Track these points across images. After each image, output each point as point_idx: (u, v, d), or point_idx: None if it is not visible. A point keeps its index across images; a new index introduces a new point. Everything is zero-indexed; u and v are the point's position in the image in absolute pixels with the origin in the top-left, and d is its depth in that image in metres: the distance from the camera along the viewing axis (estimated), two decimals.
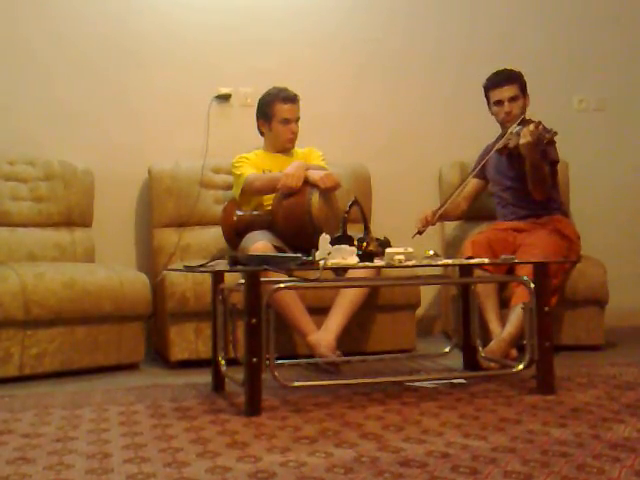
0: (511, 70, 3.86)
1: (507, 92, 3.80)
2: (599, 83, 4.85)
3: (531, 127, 3.43)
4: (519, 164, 3.66)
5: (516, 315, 3.27)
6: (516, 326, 3.26)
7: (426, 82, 4.65)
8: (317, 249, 2.63)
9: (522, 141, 3.46)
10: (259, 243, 3.33)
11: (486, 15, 4.74)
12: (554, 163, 3.74)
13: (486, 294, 3.47)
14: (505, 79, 3.82)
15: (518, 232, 3.72)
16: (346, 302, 3.36)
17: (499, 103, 3.81)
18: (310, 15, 4.49)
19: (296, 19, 4.47)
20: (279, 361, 2.79)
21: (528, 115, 3.75)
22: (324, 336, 3.24)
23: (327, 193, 3.51)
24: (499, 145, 3.70)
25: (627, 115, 4.88)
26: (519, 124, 3.65)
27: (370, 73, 4.58)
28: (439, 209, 3.82)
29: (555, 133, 3.44)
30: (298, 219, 3.41)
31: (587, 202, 4.56)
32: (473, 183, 4.05)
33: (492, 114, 3.87)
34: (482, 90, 3.87)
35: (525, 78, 3.84)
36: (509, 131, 3.66)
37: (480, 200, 4.14)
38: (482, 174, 4.00)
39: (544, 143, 3.46)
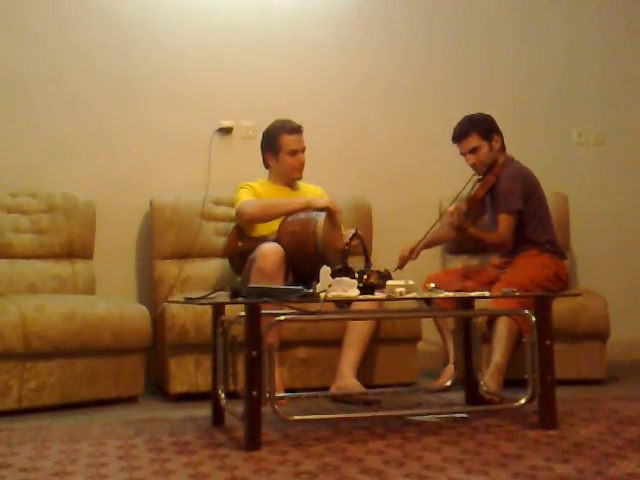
0: (466, 120, 3.83)
1: (463, 147, 3.81)
2: (598, 116, 4.87)
3: (448, 213, 3.58)
4: (493, 209, 3.80)
5: (497, 340, 3.35)
6: (501, 353, 3.32)
7: (429, 116, 4.67)
8: (318, 279, 2.63)
9: (451, 228, 3.61)
10: (269, 245, 3.35)
11: (490, 49, 4.78)
12: (517, 212, 3.68)
13: (445, 323, 3.60)
14: (459, 134, 3.82)
15: (499, 268, 3.75)
16: (354, 340, 3.40)
17: (463, 155, 3.84)
18: (311, 48, 4.54)
19: (297, 52, 4.51)
20: (280, 394, 2.79)
21: (528, 148, 3.78)
22: (347, 382, 3.29)
23: (333, 219, 3.51)
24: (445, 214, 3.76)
25: (626, 149, 4.90)
26: (489, 170, 3.74)
27: (371, 107, 4.60)
28: (417, 245, 3.83)
29: (461, 227, 3.55)
30: (303, 243, 3.38)
31: (587, 235, 4.56)
32: None
33: None
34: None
35: (488, 121, 3.82)
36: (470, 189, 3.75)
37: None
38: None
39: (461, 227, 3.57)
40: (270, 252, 3.31)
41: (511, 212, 3.67)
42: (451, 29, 4.76)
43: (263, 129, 3.85)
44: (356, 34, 4.64)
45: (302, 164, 3.77)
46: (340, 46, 4.59)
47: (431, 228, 3.77)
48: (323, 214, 3.42)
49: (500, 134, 3.84)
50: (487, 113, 3.86)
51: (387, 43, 4.66)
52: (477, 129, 3.80)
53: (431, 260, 4.45)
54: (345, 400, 3.22)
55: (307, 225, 3.40)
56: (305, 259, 3.35)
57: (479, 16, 4.80)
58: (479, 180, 3.80)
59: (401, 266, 3.82)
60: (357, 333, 3.41)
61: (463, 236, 3.69)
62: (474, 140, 3.78)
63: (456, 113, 4.68)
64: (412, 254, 3.85)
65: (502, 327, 3.36)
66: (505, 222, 3.66)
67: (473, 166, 3.81)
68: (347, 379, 3.32)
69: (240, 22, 4.44)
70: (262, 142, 3.83)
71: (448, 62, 4.74)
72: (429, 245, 4.02)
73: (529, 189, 3.75)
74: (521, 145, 4.21)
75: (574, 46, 4.89)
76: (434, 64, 4.72)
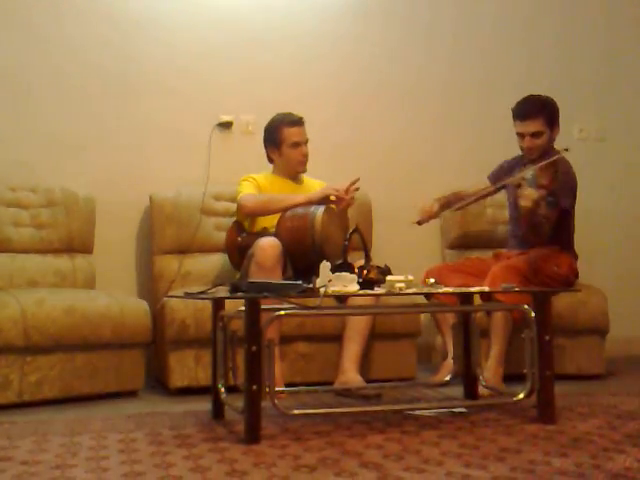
0: (539, 101, 3.64)
1: (529, 127, 3.60)
2: (600, 112, 4.87)
3: (533, 192, 3.27)
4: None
5: (495, 332, 3.39)
6: (498, 343, 3.37)
7: (431, 114, 4.67)
8: (319, 271, 2.63)
9: (521, 203, 3.33)
10: (267, 239, 3.35)
11: (491, 44, 4.79)
12: (563, 211, 3.61)
13: (444, 317, 3.55)
14: (528, 113, 3.60)
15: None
16: (354, 334, 3.42)
17: (520, 135, 3.65)
18: (313, 44, 4.53)
19: (297, 47, 4.51)
20: (279, 389, 2.79)
21: None
22: (350, 377, 3.32)
23: (332, 213, 3.51)
24: (514, 181, 3.54)
25: (628, 144, 4.90)
26: (544, 157, 3.48)
27: (373, 104, 4.60)
28: (442, 199, 3.71)
29: (551, 213, 3.35)
30: (301, 237, 3.38)
31: (587, 231, 4.56)
32: (485, 186, 3.89)
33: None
34: (489, 121, 3.85)
35: (556, 108, 3.66)
36: (522, 175, 3.44)
37: (494, 227, 4.17)
38: (497, 184, 3.87)
39: (540, 213, 3.35)
40: (268, 246, 3.32)
41: (562, 207, 3.54)
42: (452, 24, 4.76)
43: (263, 124, 3.85)
44: (356, 28, 4.63)
45: (305, 156, 3.76)
46: (340, 41, 4.59)
47: (477, 198, 3.66)
48: (322, 208, 3.43)
49: (559, 125, 3.69)
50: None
51: (387, 38, 4.66)
52: (545, 114, 3.61)
53: (431, 255, 4.46)
54: (346, 394, 3.24)
55: (305, 219, 3.41)
56: (303, 253, 3.36)
57: (480, 11, 4.80)
58: (526, 164, 3.60)
59: (422, 222, 3.68)
60: (356, 327, 3.42)
61: (529, 217, 3.38)
62: (539, 124, 3.60)
63: (457, 109, 4.72)
64: (436, 212, 3.70)
65: (499, 316, 3.38)
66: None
67: (528, 149, 3.63)
68: (349, 374, 3.34)
69: (239, 16, 4.44)
70: (264, 137, 3.82)
71: (449, 57, 4.74)
72: (450, 205, 3.83)
73: (576, 189, 3.71)
74: None
75: (575, 41, 4.89)
76: (434, 60, 4.72)
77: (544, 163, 3.38)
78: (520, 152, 3.80)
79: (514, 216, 3.83)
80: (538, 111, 3.61)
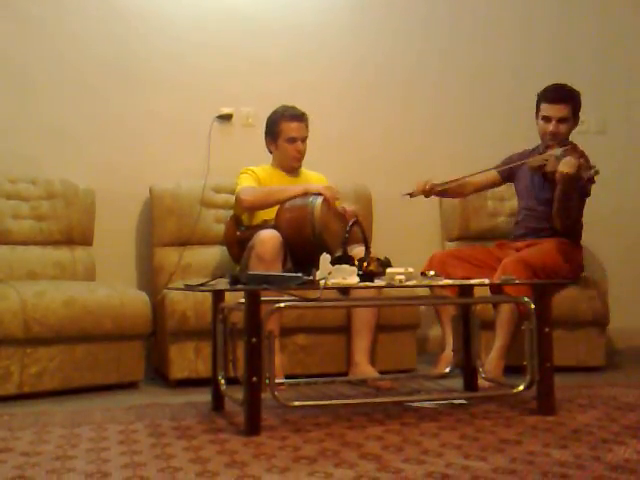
0: (570, 89, 3.73)
1: (558, 112, 3.68)
2: (600, 105, 4.86)
3: (573, 159, 3.37)
4: (553, 189, 3.57)
5: (500, 325, 3.40)
6: (503, 337, 3.38)
7: (429, 104, 4.67)
8: (318, 266, 2.63)
9: (561, 169, 3.38)
10: (267, 231, 3.35)
11: (488, 35, 4.77)
12: (583, 196, 3.65)
13: (445, 309, 3.54)
14: (560, 98, 3.68)
15: (517, 251, 3.72)
16: (361, 326, 3.45)
17: (547, 119, 3.70)
18: (313, 35, 4.52)
19: (298, 39, 4.50)
20: (279, 380, 2.80)
21: (528, 137, 3.73)
22: (362, 369, 3.38)
23: (330, 205, 3.51)
24: (535, 162, 3.62)
25: (628, 137, 4.89)
26: (562, 146, 3.57)
27: (372, 94, 4.60)
28: (441, 185, 3.73)
29: (596, 172, 3.38)
30: (301, 226, 3.38)
31: (588, 224, 4.56)
32: (490, 175, 3.91)
33: (537, 124, 3.77)
34: (486, 111, 3.83)
35: (580, 100, 3.74)
36: (551, 153, 3.55)
37: (494, 220, 4.15)
38: (505, 174, 3.89)
39: (583, 179, 3.41)
40: (268, 239, 3.32)
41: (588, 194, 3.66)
42: (448, 15, 4.74)
43: (263, 116, 3.85)
44: (356, 19, 4.62)
45: (300, 152, 3.75)
46: (340, 32, 4.58)
47: (475, 173, 3.65)
48: (320, 197, 3.43)
49: (579, 119, 3.77)
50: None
51: (385, 30, 4.64)
52: (573, 102, 3.70)
53: (431, 247, 4.45)
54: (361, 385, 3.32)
55: (304, 209, 3.40)
56: (304, 242, 3.36)
57: (476, 2, 4.78)
58: (542, 152, 3.65)
59: (413, 195, 3.75)
60: (363, 320, 3.45)
61: (569, 188, 3.46)
62: (567, 110, 3.68)
63: (454, 99, 4.71)
64: (431, 192, 3.74)
65: (506, 310, 3.38)
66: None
67: (552, 134, 3.67)
68: (362, 367, 3.39)
69: (239, 8, 4.42)
70: (265, 127, 3.82)
71: (446, 48, 4.71)
72: (451, 192, 3.89)
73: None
74: (521, 133, 4.21)
75: (574, 33, 4.87)
76: (431, 51, 4.70)
77: (570, 148, 3.52)
78: (525, 148, 3.83)
79: (528, 205, 3.80)
80: (568, 97, 3.69)
